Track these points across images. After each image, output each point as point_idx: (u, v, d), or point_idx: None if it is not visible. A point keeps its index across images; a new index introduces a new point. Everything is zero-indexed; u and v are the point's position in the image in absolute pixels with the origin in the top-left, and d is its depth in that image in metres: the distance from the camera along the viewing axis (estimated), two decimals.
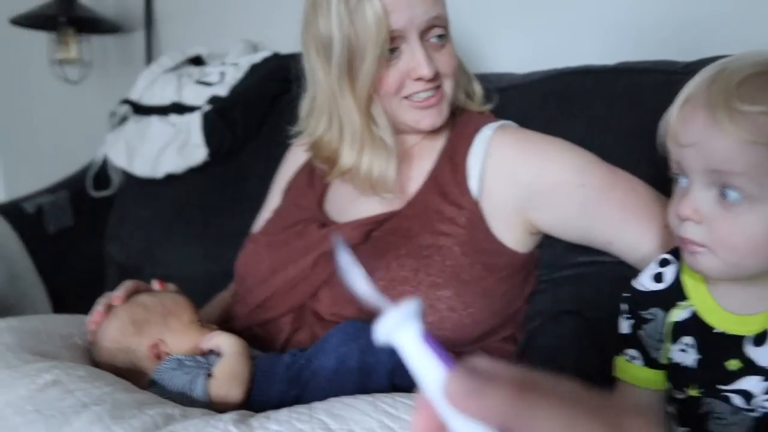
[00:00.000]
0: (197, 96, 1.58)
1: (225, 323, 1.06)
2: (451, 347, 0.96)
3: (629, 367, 0.82)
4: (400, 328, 0.34)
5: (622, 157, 1.02)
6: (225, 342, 0.87)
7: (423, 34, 0.95)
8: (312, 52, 0.99)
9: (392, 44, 0.93)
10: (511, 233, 0.99)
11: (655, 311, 0.78)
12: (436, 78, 0.97)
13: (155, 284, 1.00)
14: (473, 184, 0.99)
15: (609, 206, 0.94)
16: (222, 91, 1.54)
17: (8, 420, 0.68)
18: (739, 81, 0.61)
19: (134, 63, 2.14)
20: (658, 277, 0.80)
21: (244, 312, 1.05)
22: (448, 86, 1.00)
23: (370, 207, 1.03)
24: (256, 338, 1.01)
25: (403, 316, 0.34)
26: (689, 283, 0.76)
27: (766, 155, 0.59)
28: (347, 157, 1.00)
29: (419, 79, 0.95)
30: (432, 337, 0.34)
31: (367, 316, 0.92)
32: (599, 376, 0.91)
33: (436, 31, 0.96)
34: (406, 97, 0.98)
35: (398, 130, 1.03)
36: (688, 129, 0.64)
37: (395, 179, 0.99)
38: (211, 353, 0.89)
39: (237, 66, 1.62)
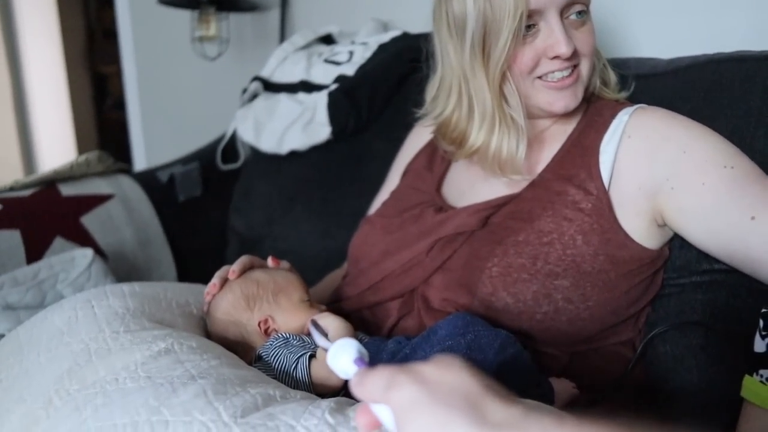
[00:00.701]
0: (325, 75, 1.59)
1: (335, 303, 1.06)
2: (565, 342, 0.91)
3: (761, 389, 0.75)
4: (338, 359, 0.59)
5: None
6: (331, 324, 0.87)
7: (563, 11, 0.90)
8: (444, 30, 0.97)
9: (529, 21, 0.89)
10: (639, 224, 0.92)
11: None
12: (573, 57, 0.92)
13: (270, 261, 1.01)
14: (605, 169, 0.93)
15: (761, 186, 0.85)
16: (349, 70, 1.54)
17: (122, 383, 0.71)
18: None
19: (269, 40, 2.19)
20: None
21: (354, 294, 1.04)
22: (585, 67, 0.95)
23: (488, 191, 0.99)
24: (363, 321, 1.01)
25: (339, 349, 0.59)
26: None
27: None
28: (476, 137, 0.97)
29: (556, 57, 0.91)
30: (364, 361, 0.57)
31: (480, 304, 0.89)
32: (724, 394, 0.84)
33: (577, 7, 0.91)
34: (539, 77, 0.94)
35: (529, 113, 0.98)
36: None
37: (524, 160, 0.95)
38: None
39: (366, 45, 1.61)
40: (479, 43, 0.91)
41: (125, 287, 0.96)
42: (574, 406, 0.86)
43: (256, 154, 1.69)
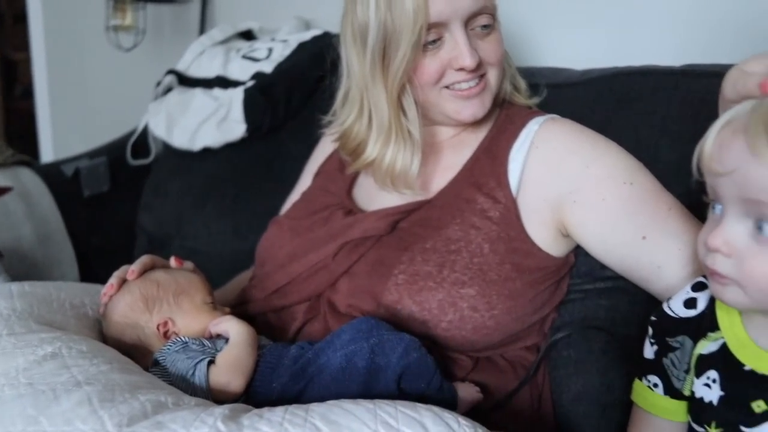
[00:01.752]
0: (242, 71, 1.56)
1: (241, 306, 1.04)
2: (471, 349, 0.92)
3: (649, 394, 0.77)
4: None
5: (676, 168, 0.96)
6: (233, 328, 0.85)
7: (468, 23, 0.91)
8: (348, 39, 0.96)
9: (434, 33, 0.89)
10: (545, 233, 0.94)
11: (683, 340, 0.73)
12: (479, 68, 0.92)
13: (173, 261, 0.98)
14: (513, 178, 0.94)
15: (655, 207, 0.88)
16: (267, 67, 1.52)
17: None
18: None
19: (188, 33, 2.13)
20: (690, 303, 0.74)
21: (261, 296, 1.02)
22: (492, 76, 0.95)
23: (399, 196, 0.99)
24: (269, 324, 0.99)
25: None
26: (722, 314, 0.70)
27: None
28: (372, 149, 0.97)
29: (461, 69, 0.91)
30: None
31: (386, 312, 0.89)
32: (623, 397, 0.87)
33: (482, 19, 0.92)
34: (447, 87, 0.94)
35: (436, 121, 0.99)
36: (724, 156, 0.60)
37: (417, 175, 0.95)
38: (220, 338, 0.87)
39: (286, 43, 1.59)
40: (379, 53, 0.91)
41: (14, 287, 0.91)
42: (477, 410, 0.86)
43: (167, 150, 1.64)
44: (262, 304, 1.01)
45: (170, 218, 1.55)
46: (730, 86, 0.66)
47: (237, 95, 1.49)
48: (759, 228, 0.59)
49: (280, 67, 1.50)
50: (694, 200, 0.85)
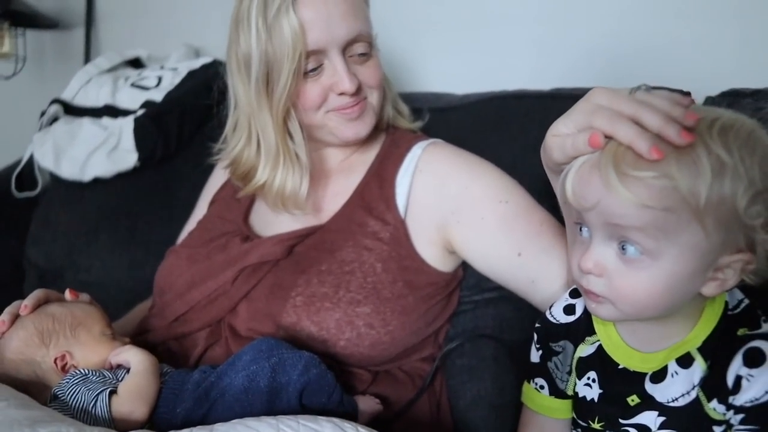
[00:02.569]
0: (132, 100, 1.55)
1: (141, 335, 1.03)
2: (370, 364, 0.95)
3: (536, 395, 0.83)
4: None
5: (544, 180, 1.02)
6: (134, 357, 0.85)
7: (345, 50, 0.96)
8: (234, 69, 1.00)
9: (314, 61, 0.95)
10: (433, 251, 0.99)
11: (565, 344, 0.79)
12: (359, 91, 0.98)
13: (68, 294, 0.96)
14: (400, 200, 1.00)
15: (528, 225, 0.95)
16: (157, 96, 1.51)
17: None
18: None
19: (72, 61, 2.08)
20: (569, 309, 0.80)
21: (161, 325, 1.02)
22: (373, 98, 1.01)
23: (294, 221, 1.02)
24: (170, 352, 0.99)
25: None
26: (597, 319, 0.76)
27: (659, 215, 0.59)
28: (261, 173, 1.00)
29: (342, 93, 0.96)
30: None
31: (285, 333, 0.91)
32: (514, 399, 0.92)
33: (359, 47, 0.98)
34: (331, 110, 0.99)
35: (324, 142, 1.04)
36: (586, 192, 0.64)
37: (306, 196, 1.00)
38: (120, 368, 0.86)
39: (175, 71, 1.59)
40: (263, 81, 0.95)
41: None
42: (378, 421, 0.90)
43: (55, 181, 1.59)
44: (163, 332, 1.01)
45: (61, 251, 1.50)
46: (557, 153, 0.70)
47: (127, 124, 1.47)
48: (622, 248, 0.63)
49: (170, 96, 1.50)
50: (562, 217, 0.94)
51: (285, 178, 0.99)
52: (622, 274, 0.64)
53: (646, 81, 1.12)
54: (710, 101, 1.10)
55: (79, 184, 1.53)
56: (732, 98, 1.07)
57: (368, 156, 1.07)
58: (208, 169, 1.28)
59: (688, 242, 0.60)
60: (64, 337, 0.88)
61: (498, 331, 1.06)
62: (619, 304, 0.65)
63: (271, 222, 1.06)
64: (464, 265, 1.06)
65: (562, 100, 1.16)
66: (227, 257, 1.01)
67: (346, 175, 1.06)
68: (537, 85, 1.25)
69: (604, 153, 0.62)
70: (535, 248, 0.94)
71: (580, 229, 0.68)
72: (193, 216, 1.23)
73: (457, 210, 0.98)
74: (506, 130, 1.17)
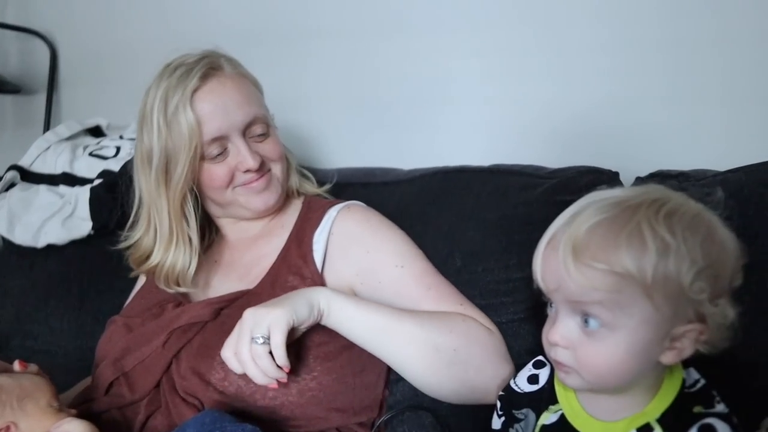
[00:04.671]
0: (90, 168, 1.58)
1: (85, 404, 1.04)
2: (304, 419, 0.98)
3: None
4: None
5: (480, 247, 1.12)
6: (73, 429, 0.86)
7: (245, 132, 1.08)
8: (138, 164, 1.11)
9: (219, 146, 1.06)
10: None
11: (527, 412, 0.83)
12: (263, 166, 1.09)
13: (16, 365, 0.96)
14: (318, 257, 1.06)
15: (416, 289, 1.02)
16: (115, 166, 1.54)
17: None
18: (585, 231, 0.68)
19: (34, 126, 2.10)
20: (533, 379, 0.85)
21: (102, 394, 1.04)
22: (277, 169, 1.12)
23: (223, 287, 1.09)
24: (114, 422, 1.00)
25: None
26: (560, 388, 0.81)
27: (610, 296, 0.66)
28: (155, 256, 1.09)
29: (247, 170, 1.07)
30: None
31: (215, 390, 0.94)
32: None
33: (257, 128, 1.10)
34: (238, 186, 1.09)
35: (238, 216, 1.15)
36: (548, 273, 0.71)
37: (193, 276, 1.08)
38: None
39: (134, 141, 1.61)
40: (162, 170, 1.06)
41: None
42: None
43: (8, 247, 1.60)
44: (106, 401, 1.02)
45: (9, 317, 1.49)
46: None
47: (83, 193, 1.50)
48: (585, 322, 0.69)
49: (128, 166, 1.52)
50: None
51: (176, 259, 1.08)
52: (584, 345, 0.70)
53: (580, 160, 1.22)
54: (639, 181, 1.18)
55: (32, 250, 1.54)
56: (659, 179, 1.15)
57: (288, 221, 1.14)
58: None
59: (641, 315, 0.66)
60: (11, 408, 0.88)
61: (434, 403, 1.07)
62: (583, 373, 0.71)
63: (203, 288, 1.13)
64: None
65: (498, 175, 1.24)
66: (160, 322, 1.05)
67: (268, 240, 1.13)
68: (477, 161, 1.32)
69: (564, 236, 0.69)
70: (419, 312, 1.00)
71: (550, 305, 0.74)
72: (135, 287, 1.27)
73: (359, 272, 1.05)
74: (446, 202, 1.23)
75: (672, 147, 1.33)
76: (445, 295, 1.03)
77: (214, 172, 1.07)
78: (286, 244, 1.10)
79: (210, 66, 1.07)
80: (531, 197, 1.17)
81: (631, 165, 1.23)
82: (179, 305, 1.09)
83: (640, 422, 0.72)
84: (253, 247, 1.14)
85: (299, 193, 1.21)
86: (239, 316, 0.99)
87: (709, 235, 0.68)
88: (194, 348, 0.99)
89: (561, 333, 0.71)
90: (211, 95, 1.05)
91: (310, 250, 1.07)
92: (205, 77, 1.05)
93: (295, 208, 1.17)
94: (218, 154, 1.06)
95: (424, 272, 1.05)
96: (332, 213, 1.11)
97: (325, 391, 0.99)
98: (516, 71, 1.46)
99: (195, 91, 1.04)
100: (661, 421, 0.71)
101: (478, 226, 1.16)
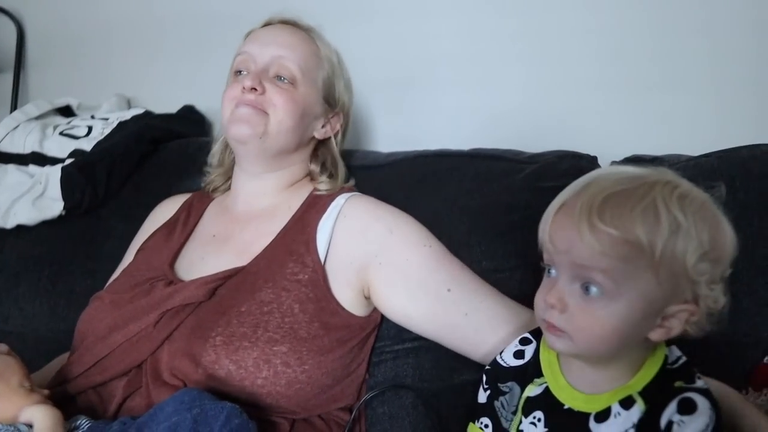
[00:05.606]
0: (61, 148, 1.54)
1: (60, 386, 1.02)
2: (288, 407, 0.98)
3: None
4: None
5: (464, 233, 1.13)
6: (37, 415, 0.84)
7: (269, 68, 1.11)
8: None
9: (243, 65, 1.13)
10: (349, 294, 1.04)
11: (512, 385, 0.85)
12: (263, 102, 1.09)
13: None
14: (321, 245, 1.05)
15: (452, 265, 1.04)
16: (87, 145, 1.51)
17: None
18: (602, 199, 0.70)
19: (1, 107, 2.05)
20: (518, 354, 0.87)
21: (80, 373, 1.01)
22: (275, 116, 1.10)
23: (217, 263, 1.07)
24: (90, 403, 0.98)
25: None
26: (545, 362, 0.83)
27: (621, 262, 0.68)
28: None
29: (243, 90, 1.08)
30: None
31: (204, 372, 0.93)
32: None
33: (279, 70, 1.11)
34: (234, 104, 1.10)
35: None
36: (560, 235, 0.72)
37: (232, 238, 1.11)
38: None
39: (106, 121, 1.59)
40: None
41: None
42: None
43: None
44: (82, 381, 1.00)
45: None
46: None
47: (54, 173, 1.47)
48: (585, 289, 0.71)
49: (100, 146, 1.50)
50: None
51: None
52: (582, 311, 0.71)
53: (560, 145, 1.23)
54: (615, 165, 1.20)
55: (1, 231, 1.51)
56: (634, 163, 1.16)
57: (294, 203, 1.13)
58: (135, 221, 1.30)
59: (643, 288, 0.69)
60: None
61: (417, 380, 1.09)
62: (575, 338, 0.72)
63: (196, 266, 1.10)
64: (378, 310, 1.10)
65: (479, 159, 1.25)
66: (150, 301, 1.03)
67: (270, 219, 1.11)
68: (457, 146, 1.32)
69: (580, 201, 0.71)
70: (464, 286, 1.02)
71: (549, 271, 0.76)
72: (120, 265, 1.24)
73: (380, 252, 1.04)
74: (428, 186, 1.23)
75: (647, 132, 1.36)
76: (474, 274, 1.05)
77: (230, 86, 1.12)
78: (288, 224, 1.10)
79: (281, 19, 1.18)
80: (513, 183, 1.18)
81: (607, 150, 1.25)
82: (170, 284, 1.06)
83: (623, 395, 0.74)
84: (254, 222, 1.12)
85: (312, 180, 1.19)
86: (234, 294, 1.00)
87: (715, 222, 0.71)
88: (188, 329, 0.98)
89: (559, 296, 0.72)
90: (263, 30, 1.17)
91: (314, 238, 1.06)
92: (272, 22, 1.18)
93: (305, 190, 1.16)
94: (238, 72, 1.13)
95: (449, 254, 1.07)
96: (340, 200, 1.11)
97: (314, 384, 0.98)
98: (494, 56, 1.47)
99: (264, 25, 1.18)
100: (642, 393, 0.73)
101: (462, 212, 1.17)
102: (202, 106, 1.75)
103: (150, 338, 0.99)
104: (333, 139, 1.20)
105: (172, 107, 1.72)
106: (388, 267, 1.04)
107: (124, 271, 1.18)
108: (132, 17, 1.87)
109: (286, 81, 1.11)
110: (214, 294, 1.01)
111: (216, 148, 1.26)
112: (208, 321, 0.97)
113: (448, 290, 1.02)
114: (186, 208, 1.25)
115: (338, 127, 1.21)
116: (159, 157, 1.54)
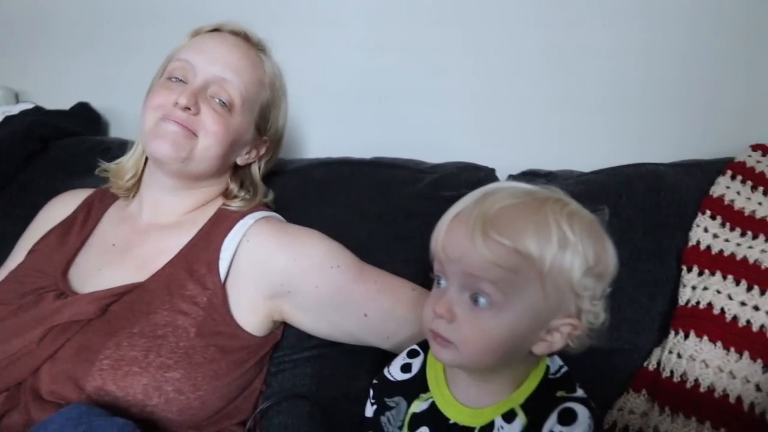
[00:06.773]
0: None
1: None
2: (181, 428, 0.93)
3: None
4: None
5: (366, 240, 1.13)
6: None
7: (209, 85, 1.04)
8: None
9: (180, 72, 1.05)
10: (253, 318, 1.01)
11: (399, 400, 0.84)
12: (194, 123, 1.02)
13: None
14: (223, 265, 1.01)
15: (365, 286, 1.01)
16: None
17: None
18: (496, 210, 0.71)
19: None
20: (406, 368, 0.86)
21: None
22: (204, 141, 1.03)
23: (113, 277, 1.00)
24: None
25: None
26: (431, 376, 0.83)
27: (510, 273, 0.69)
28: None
29: (176, 105, 1.01)
30: None
31: (88, 398, 0.87)
32: None
33: (218, 91, 1.05)
34: (160, 116, 1.02)
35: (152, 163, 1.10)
36: (453, 243, 0.73)
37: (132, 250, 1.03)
38: None
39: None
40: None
41: None
42: None
43: None
44: None
45: None
46: None
47: None
48: (474, 300, 0.71)
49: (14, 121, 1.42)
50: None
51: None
52: (470, 321, 0.71)
53: (460, 157, 1.26)
54: (511, 178, 1.24)
55: None
56: (529, 177, 1.22)
57: (201, 218, 1.08)
58: (23, 221, 1.22)
59: (530, 301, 0.70)
60: None
61: (315, 388, 1.08)
62: (462, 348, 0.72)
63: (92, 277, 1.03)
64: (285, 325, 1.08)
65: (380, 168, 1.27)
66: (36, 315, 0.95)
67: (175, 234, 1.06)
68: (359, 154, 1.34)
69: (476, 210, 0.72)
70: (380, 309, 1.00)
71: (438, 281, 0.76)
72: (6, 265, 1.15)
73: (286, 282, 1.01)
74: (331, 192, 1.23)
75: (543, 148, 1.42)
76: (392, 283, 1.02)
77: (157, 90, 1.05)
78: (192, 240, 1.04)
79: (232, 29, 1.11)
80: (413, 192, 1.20)
81: (505, 164, 1.29)
82: (61, 295, 0.99)
83: (505, 408, 0.76)
84: (157, 236, 1.06)
85: (226, 198, 1.13)
86: (128, 313, 0.94)
87: (600, 240, 0.74)
88: (73, 349, 0.90)
89: (448, 306, 0.72)
90: (211, 38, 1.10)
91: (217, 258, 1.01)
92: (221, 29, 1.11)
93: (214, 205, 1.11)
94: (171, 78, 1.05)
95: (361, 267, 1.03)
96: (248, 220, 1.06)
97: (207, 409, 0.94)
98: (400, 69, 1.50)
99: (209, 30, 1.11)
100: (524, 406, 0.75)
101: (363, 219, 1.17)
102: (97, 104, 1.68)
103: (32, 356, 0.91)
104: (256, 163, 1.17)
105: (65, 104, 1.64)
106: (297, 295, 1.01)
107: (11, 273, 1.09)
108: (24, 6, 1.77)
109: (223, 105, 1.05)
110: (106, 311, 0.95)
111: (136, 153, 1.16)
112: (96, 342, 0.91)
113: (365, 315, 1.00)
114: (85, 207, 1.17)
115: (263, 152, 1.17)
116: (49, 154, 1.46)
